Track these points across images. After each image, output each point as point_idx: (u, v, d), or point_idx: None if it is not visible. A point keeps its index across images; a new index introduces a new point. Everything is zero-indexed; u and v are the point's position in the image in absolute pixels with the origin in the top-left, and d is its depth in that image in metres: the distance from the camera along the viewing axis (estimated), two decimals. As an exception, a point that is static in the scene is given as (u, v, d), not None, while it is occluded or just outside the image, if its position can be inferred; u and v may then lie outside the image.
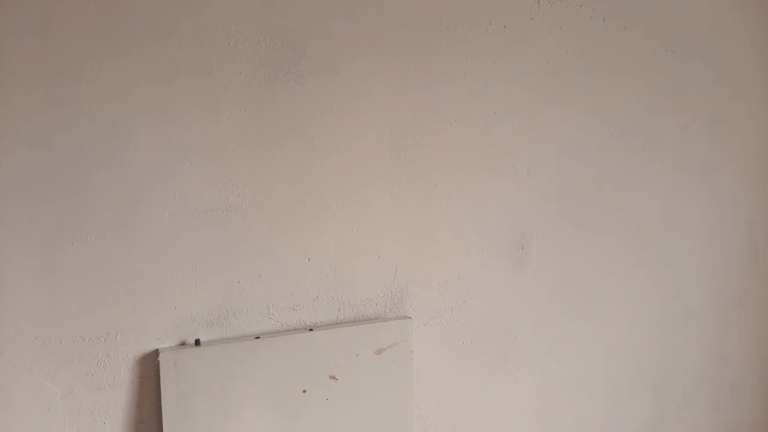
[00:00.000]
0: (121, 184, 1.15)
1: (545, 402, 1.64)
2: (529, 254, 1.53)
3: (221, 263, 1.26)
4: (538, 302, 1.58)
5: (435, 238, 1.44)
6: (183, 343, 1.25)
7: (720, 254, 1.79)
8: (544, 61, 1.44)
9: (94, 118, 1.12)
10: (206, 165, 1.21)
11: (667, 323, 1.76)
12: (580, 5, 1.47)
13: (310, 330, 1.34)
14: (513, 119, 1.44)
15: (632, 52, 1.54)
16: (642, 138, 1.60)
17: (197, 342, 1.25)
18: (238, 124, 1.22)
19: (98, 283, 1.17)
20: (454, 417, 1.53)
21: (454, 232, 1.45)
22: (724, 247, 1.79)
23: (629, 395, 1.76)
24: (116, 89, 1.12)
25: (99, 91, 1.11)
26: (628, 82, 1.55)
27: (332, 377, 1.34)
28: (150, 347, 1.23)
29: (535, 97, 1.46)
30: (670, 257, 1.72)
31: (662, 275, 1.72)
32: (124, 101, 1.13)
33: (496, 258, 1.51)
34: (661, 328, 1.76)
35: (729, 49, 1.65)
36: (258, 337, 1.30)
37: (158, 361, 1.22)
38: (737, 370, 1.91)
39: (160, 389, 1.23)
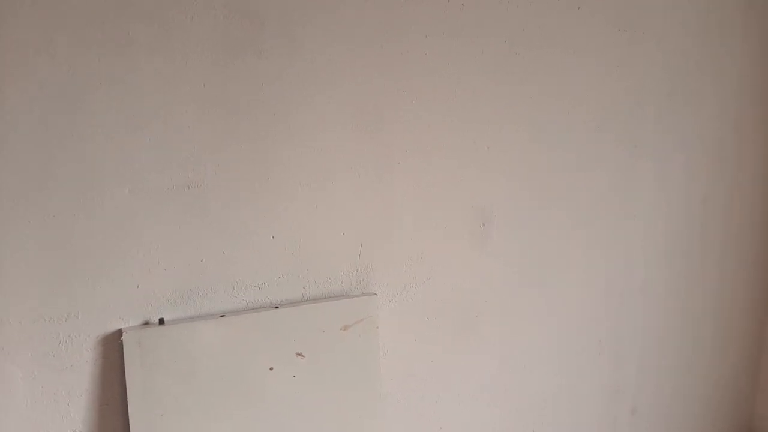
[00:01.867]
0: (79, 160, 1.13)
1: (508, 373, 1.68)
2: (491, 230, 1.56)
3: (184, 241, 1.25)
4: (500, 277, 1.61)
5: (399, 216, 1.45)
6: (147, 323, 1.24)
7: (669, 231, 1.85)
8: (503, 39, 1.46)
9: (51, 93, 1.09)
10: (166, 141, 1.19)
11: (620, 295, 1.82)
12: (537, -16, 1.49)
13: (276, 308, 1.34)
14: (473, 97, 1.46)
15: (587, 31, 1.57)
16: (596, 116, 1.64)
17: (161, 321, 1.24)
18: (198, 99, 1.21)
19: (58, 262, 1.15)
20: (420, 391, 1.55)
21: (418, 210, 1.47)
22: (673, 223, 1.85)
23: (587, 365, 1.82)
24: (70, 62, 1.10)
25: (54, 65, 1.09)
26: (583, 61, 1.58)
27: (299, 354, 1.35)
28: (113, 327, 1.21)
29: (495, 75, 1.48)
30: (622, 233, 1.77)
31: (614, 250, 1.78)
32: (79, 76, 1.11)
33: (458, 235, 1.53)
34: (614, 300, 1.82)
35: (679, 27, 1.70)
36: (223, 316, 1.29)
37: (121, 341, 1.21)
38: (693, 342, 1.98)
39: (124, 369, 1.22)
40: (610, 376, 1.87)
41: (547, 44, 1.53)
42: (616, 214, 1.74)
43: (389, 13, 1.34)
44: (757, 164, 1.95)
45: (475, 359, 1.62)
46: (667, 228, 1.84)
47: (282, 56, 1.26)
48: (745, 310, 2.08)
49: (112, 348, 1.22)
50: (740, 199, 1.95)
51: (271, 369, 1.33)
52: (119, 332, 1.21)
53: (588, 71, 1.60)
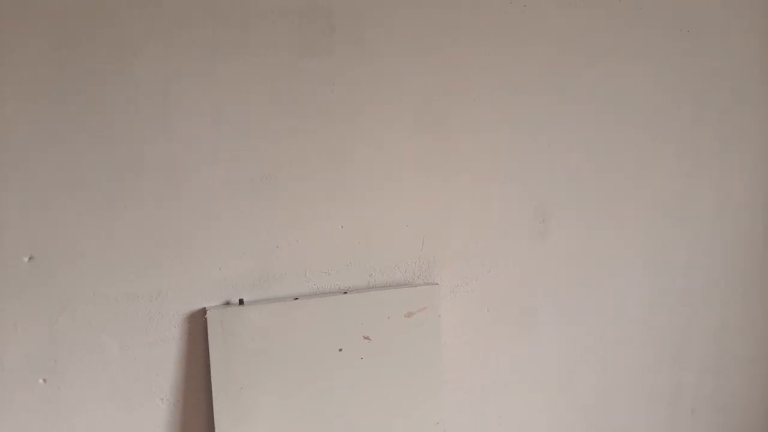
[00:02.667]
0: (171, 153, 1.25)
1: (564, 369, 1.71)
2: (550, 226, 1.61)
3: (261, 229, 1.35)
4: (558, 273, 1.65)
5: (460, 210, 1.52)
6: (227, 303, 1.35)
7: (729, 232, 1.84)
8: (564, 38, 1.51)
9: (147, 93, 1.21)
10: (247, 136, 1.30)
11: (683, 298, 1.82)
12: (597, -14, 1.54)
13: (345, 293, 1.43)
14: (534, 95, 1.52)
15: (646, 32, 1.60)
16: (656, 116, 1.66)
17: (241, 302, 1.35)
18: (275, 97, 1.31)
19: (150, 245, 1.26)
20: (479, 380, 1.61)
21: (479, 205, 1.53)
22: (734, 225, 1.84)
23: (647, 366, 1.82)
24: (164, 64, 1.21)
25: (149, 66, 1.20)
26: (643, 63, 1.61)
27: (366, 338, 1.43)
28: (197, 306, 1.32)
29: (555, 74, 1.53)
30: (682, 234, 1.78)
31: (675, 250, 1.78)
32: (172, 76, 1.22)
33: (518, 229, 1.58)
34: (673, 300, 1.82)
35: (741, 30, 1.70)
36: (296, 299, 1.39)
37: (206, 319, 1.31)
38: (754, 344, 1.96)
39: (207, 345, 1.32)
40: (669, 375, 1.87)
41: (609, 44, 1.56)
42: (677, 215, 1.75)
43: (451, 15, 1.41)
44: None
45: (531, 352, 1.66)
46: (727, 229, 1.84)
47: (351, 58, 1.35)
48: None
49: (197, 325, 1.33)
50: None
51: (340, 350, 1.41)
52: (203, 311, 1.32)
53: (648, 72, 1.63)
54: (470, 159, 1.50)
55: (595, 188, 1.64)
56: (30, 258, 1.19)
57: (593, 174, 1.63)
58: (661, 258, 1.77)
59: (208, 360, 1.33)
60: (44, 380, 1.24)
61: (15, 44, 1.12)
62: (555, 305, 1.66)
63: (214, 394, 1.32)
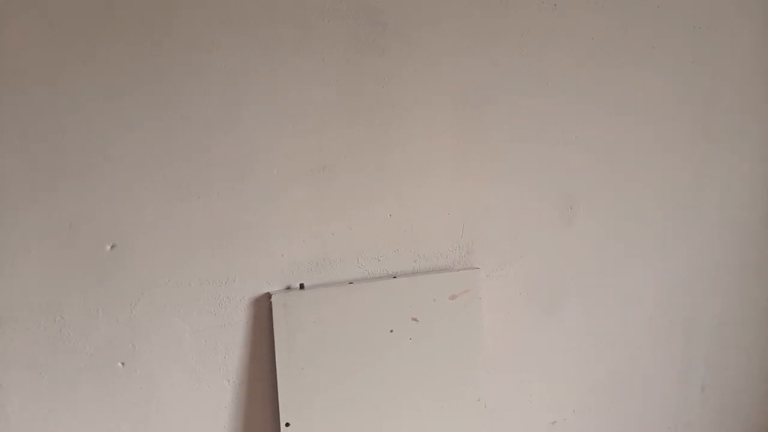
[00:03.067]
0: (238, 146, 1.33)
1: (589, 347, 1.82)
2: (577, 214, 1.72)
3: (318, 217, 1.44)
4: (584, 258, 1.76)
5: (496, 199, 1.62)
6: (288, 288, 1.43)
7: (740, 218, 1.98)
8: (590, 36, 1.63)
9: (218, 89, 1.30)
10: (306, 130, 1.39)
11: (693, 278, 1.94)
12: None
13: (394, 277, 1.53)
14: (563, 90, 1.63)
15: (661, 31, 1.73)
16: (673, 109, 1.79)
17: (302, 286, 1.43)
18: (331, 93, 1.40)
19: (219, 233, 1.35)
20: (512, 360, 1.71)
21: (513, 193, 1.64)
22: (744, 211, 1.98)
23: (660, 344, 1.94)
24: (233, 61, 1.30)
25: (221, 63, 1.29)
26: (659, 60, 1.74)
27: (414, 319, 1.53)
28: (262, 291, 1.41)
29: (582, 70, 1.64)
30: (696, 220, 1.91)
31: (689, 236, 1.91)
32: (241, 72, 1.31)
33: (548, 217, 1.70)
34: (687, 283, 1.94)
35: (747, 29, 1.84)
36: (351, 283, 1.48)
37: (270, 302, 1.40)
38: (760, 322, 2.10)
39: (271, 327, 1.41)
40: (681, 355, 1.99)
41: (629, 41, 1.68)
42: (691, 202, 1.87)
43: (490, 14, 1.51)
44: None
45: (560, 333, 1.77)
46: (738, 216, 1.97)
47: (400, 56, 1.45)
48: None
49: (261, 309, 1.41)
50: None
51: (391, 331, 1.50)
52: (267, 295, 1.40)
53: (665, 66, 1.75)
54: (505, 149, 1.60)
55: (616, 178, 1.76)
56: (112, 246, 1.26)
57: (614, 165, 1.75)
58: (673, 242, 1.89)
59: (271, 342, 1.42)
60: (123, 363, 1.31)
61: (100, 44, 1.20)
62: (580, 288, 1.77)
63: (278, 373, 1.40)
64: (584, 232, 1.74)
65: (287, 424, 1.42)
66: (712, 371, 2.06)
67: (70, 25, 1.17)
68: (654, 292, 1.90)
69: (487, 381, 1.65)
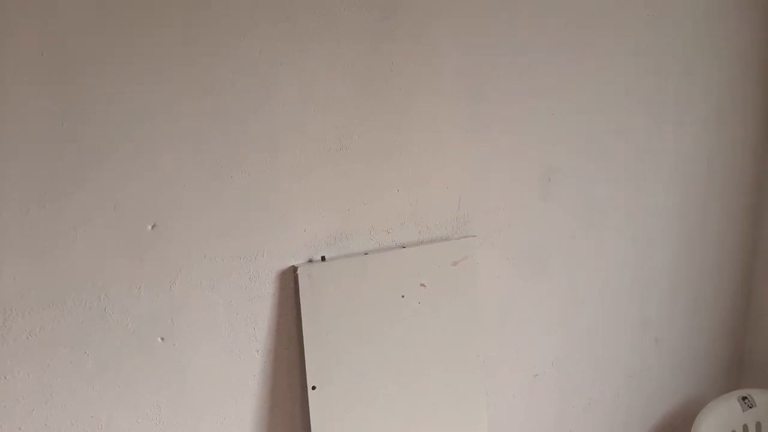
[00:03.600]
0: (268, 128, 1.40)
1: (568, 306, 2.01)
2: (555, 185, 1.90)
3: (337, 193, 1.53)
4: (561, 225, 1.94)
5: (487, 173, 1.76)
6: (310, 260, 1.53)
7: (682, 187, 2.21)
8: (563, 23, 1.79)
9: (251, 74, 1.36)
10: (326, 112, 1.47)
11: (646, 242, 2.17)
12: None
13: (403, 247, 1.65)
14: (543, 73, 1.78)
15: (626, 16, 1.91)
16: (631, 88, 1.99)
17: (323, 258, 1.53)
18: (348, 77, 1.49)
19: (249, 210, 1.42)
20: (503, 319, 1.87)
21: (501, 167, 1.78)
22: (685, 181, 2.22)
23: (622, 301, 2.16)
24: (264, 47, 1.37)
25: (252, 48, 1.35)
26: (622, 42, 1.93)
27: (422, 285, 1.66)
28: (287, 264, 1.49)
29: (557, 54, 1.80)
30: (648, 189, 2.12)
31: (643, 203, 2.12)
32: (271, 59, 1.38)
33: (530, 188, 1.86)
34: (641, 247, 2.16)
35: (694, 12, 2.07)
36: (366, 254, 1.59)
37: (295, 275, 1.49)
38: (698, 281, 2.37)
39: (297, 298, 1.50)
40: (639, 311, 2.22)
41: (593, 25, 1.84)
42: (646, 174, 2.08)
43: (489, 5, 1.65)
44: (748, 131, 2.35)
45: (544, 294, 1.95)
46: (680, 185, 2.20)
47: (409, 42, 1.54)
48: (737, 257, 2.48)
49: (287, 281, 1.50)
50: (733, 158, 2.34)
51: (402, 296, 1.63)
52: (292, 268, 1.49)
53: (625, 51, 1.94)
54: (496, 127, 1.74)
55: (585, 152, 1.94)
56: (153, 226, 1.32)
57: (586, 140, 1.93)
58: (633, 210, 2.10)
59: (296, 312, 1.51)
60: (162, 338, 1.37)
61: (143, 29, 1.24)
62: (560, 253, 1.95)
63: (305, 340, 1.50)
64: (560, 201, 1.92)
65: (313, 388, 1.52)
66: (663, 325, 2.31)
67: (115, 9, 1.21)
68: (616, 255, 2.11)
69: (485, 339, 1.81)
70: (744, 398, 2.28)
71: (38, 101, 1.18)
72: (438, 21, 1.58)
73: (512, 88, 1.74)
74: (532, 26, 1.74)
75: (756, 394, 2.29)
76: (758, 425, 2.24)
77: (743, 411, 2.27)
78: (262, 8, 1.35)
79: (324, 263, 1.52)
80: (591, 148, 1.94)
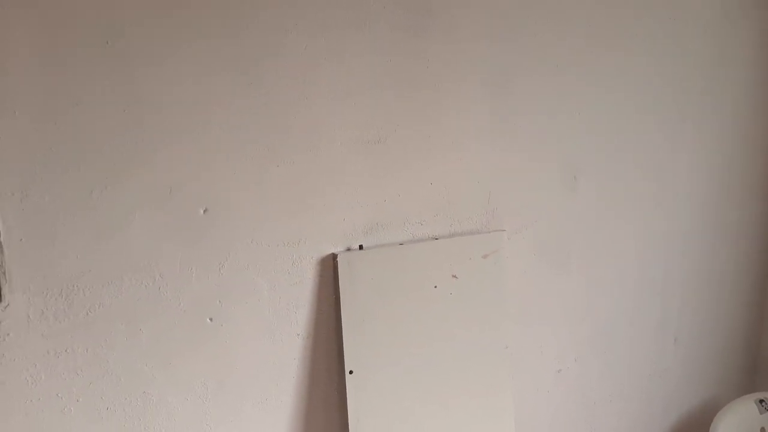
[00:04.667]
0: (309, 119, 1.47)
1: (588, 301, 2.06)
2: (580, 182, 1.96)
3: (373, 184, 1.60)
4: (586, 221, 2.00)
5: (516, 168, 1.82)
6: (348, 249, 1.59)
7: (703, 189, 2.27)
8: (591, 25, 1.86)
9: (296, 66, 1.44)
10: (364, 105, 1.54)
11: (668, 241, 2.22)
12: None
13: (436, 239, 1.71)
14: (569, 73, 1.85)
15: (648, 20, 1.97)
16: (656, 90, 2.05)
17: (360, 247, 1.59)
18: (385, 72, 1.55)
19: (293, 198, 1.49)
20: (528, 308, 1.92)
21: (529, 164, 1.84)
22: (706, 183, 2.28)
23: (643, 299, 2.20)
24: (306, 42, 1.44)
25: (296, 44, 1.42)
26: (645, 45, 1.98)
27: (454, 276, 1.72)
28: (327, 251, 1.56)
29: (583, 55, 1.87)
30: (670, 188, 2.18)
31: (665, 202, 2.18)
32: (312, 51, 1.45)
33: (556, 185, 1.92)
34: (664, 245, 2.21)
35: (720, 17, 2.13)
36: (401, 244, 1.65)
37: (336, 262, 1.55)
38: (718, 282, 2.42)
39: (336, 284, 1.56)
40: (659, 310, 2.27)
41: (618, 28, 1.91)
42: (668, 173, 2.14)
43: (515, 5, 1.71)
44: (766, 133, 2.41)
45: (567, 290, 2.00)
46: (701, 186, 2.26)
47: (441, 38, 1.60)
48: (755, 259, 2.52)
49: (327, 268, 1.56)
50: (753, 160, 2.40)
51: (435, 287, 1.69)
52: (332, 255, 1.56)
53: (647, 51, 2.00)
54: (524, 125, 1.81)
55: (610, 151, 2.00)
56: (205, 210, 1.39)
57: (609, 139, 1.98)
58: (656, 209, 2.16)
59: (336, 298, 1.57)
60: (211, 319, 1.43)
61: (200, 26, 1.32)
62: (581, 248, 2.01)
63: (343, 325, 1.56)
64: (585, 197, 1.98)
65: (351, 372, 1.58)
66: (682, 325, 2.35)
67: (173, 7, 1.29)
68: (636, 252, 2.16)
69: (512, 330, 1.86)
70: (761, 401, 2.32)
71: (102, 88, 1.25)
72: (469, 20, 1.65)
73: (539, 87, 1.81)
74: (559, 29, 1.81)
75: (773, 397, 2.32)
76: (776, 427, 2.27)
77: (761, 414, 2.30)
78: (305, 7, 1.43)
79: (361, 252, 1.59)
80: (615, 147, 2.00)
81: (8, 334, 1.24)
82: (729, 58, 2.21)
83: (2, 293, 1.21)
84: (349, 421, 1.58)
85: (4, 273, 1.21)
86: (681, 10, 2.05)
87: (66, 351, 1.29)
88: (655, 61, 2.03)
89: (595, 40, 1.89)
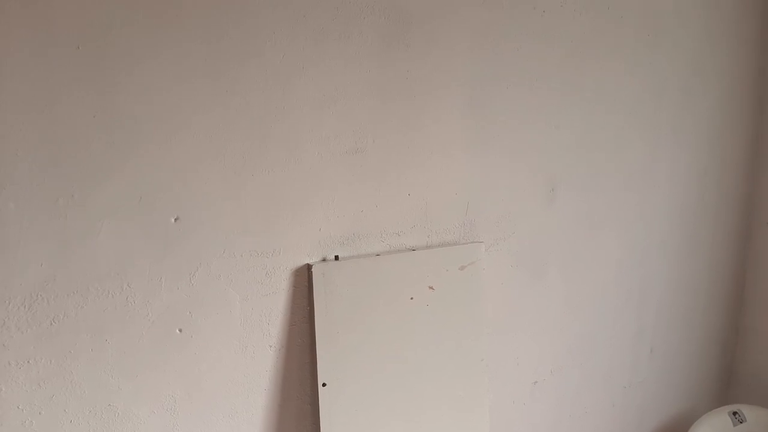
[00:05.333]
0: (288, 129, 1.44)
1: (568, 312, 2.06)
2: (558, 193, 1.95)
3: (351, 195, 1.58)
4: (563, 234, 2.00)
5: (494, 180, 1.81)
6: (324, 259, 1.57)
7: (679, 199, 2.29)
8: (569, 39, 1.86)
9: (274, 75, 1.41)
10: (343, 115, 1.52)
11: (644, 252, 2.23)
12: (594, -2, 1.91)
13: (413, 250, 1.69)
14: (547, 85, 1.84)
15: (624, 36, 1.97)
16: (629, 105, 2.04)
17: (336, 257, 1.57)
18: (364, 82, 1.53)
19: (268, 208, 1.46)
20: (505, 320, 1.91)
21: (507, 176, 1.83)
22: (682, 193, 2.29)
23: (619, 309, 2.21)
24: (285, 51, 1.41)
25: (274, 51, 1.40)
26: (622, 61, 2.00)
27: (430, 287, 1.70)
28: (302, 262, 1.53)
29: (561, 70, 1.87)
30: (647, 199, 2.19)
31: (642, 214, 2.19)
32: (291, 59, 1.42)
33: (534, 197, 1.91)
34: (640, 256, 2.22)
35: (697, 31, 2.15)
36: (378, 255, 1.63)
37: (309, 272, 1.53)
38: (693, 292, 2.43)
39: (310, 296, 1.53)
40: (636, 321, 2.27)
41: (596, 44, 1.92)
42: (645, 185, 2.15)
43: (495, 19, 1.70)
44: (743, 144, 2.43)
45: (545, 301, 2.00)
46: (676, 198, 2.27)
47: (421, 49, 1.59)
48: (729, 272, 2.54)
49: (302, 279, 1.53)
50: (726, 174, 2.42)
51: (411, 298, 1.67)
52: (307, 266, 1.53)
53: (624, 70, 2.01)
54: (502, 137, 1.80)
55: (588, 163, 2.00)
56: (176, 219, 1.35)
57: (588, 151, 1.99)
58: (633, 220, 2.17)
59: (310, 309, 1.55)
60: (180, 330, 1.40)
61: (178, 31, 1.29)
62: (559, 260, 2.01)
63: (317, 337, 1.54)
64: (563, 209, 1.97)
65: (324, 385, 1.55)
66: (658, 335, 2.37)
67: (145, 9, 1.26)
68: (614, 263, 2.16)
69: (488, 343, 1.85)
70: (735, 413, 2.34)
71: (71, 94, 1.21)
72: (449, 32, 1.64)
73: (518, 100, 1.80)
74: (538, 44, 1.81)
75: (746, 410, 2.34)
76: (748, 440, 2.28)
77: (734, 426, 2.32)
78: (285, 14, 1.40)
79: (337, 262, 1.56)
80: (592, 160, 2.00)
81: (-33, 345, 1.20)
82: (705, 72, 2.22)
83: (-39, 303, 1.17)
84: (322, 435, 1.55)
85: (-36, 282, 1.17)
86: (658, 24, 2.06)
87: (28, 362, 1.25)
88: (633, 74, 2.03)
89: (575, 52, 1.89)
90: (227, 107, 1.37)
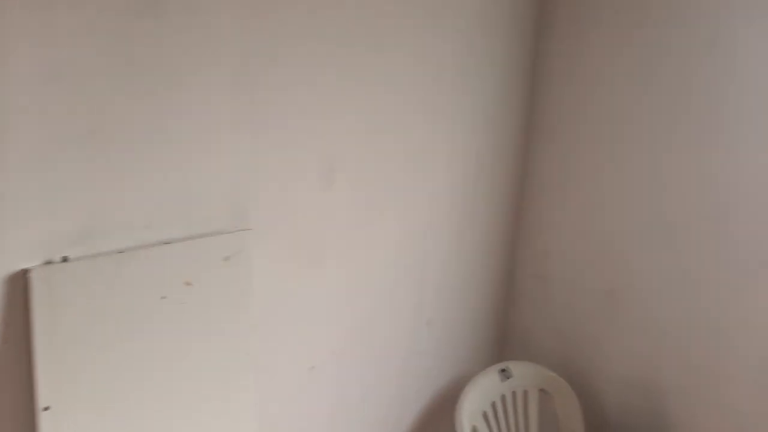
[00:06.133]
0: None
1: (349, 293, 2.01)
2: (336, 177, 1.85)
3: (87, 184, 1.31)
4: (342, 217, 1.91)
5: (268, 164, 1.65)
6: (48, 262, 1.30)
7: (454, 179, 2.31)
8: (349, 18, 1.73)
9: None
10: (76, 92, 1.25)
11: (421, 231, 2.25)
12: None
13: (167, 243, 1.48)
14: (325, 65, 1.71)
15: (407, 18, 1.91)
16: (411, 86, 2.00)
17: (65, 259, 1.32)
18: (106, 54, 1.27)
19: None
20: (280, 311, 1.80)
21: (282, 159, 1.68)
22: (457, 173, 2.32)
23: (400, 287, 2.22)
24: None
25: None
26: (404, 44, 1.92)
27: (187, 283, 1.51)
28: (15, 268, 1.26)
29: (340, 47, 1.73)
30: (425, 181, 2.18)
31: (420, 195, 2.18)
32: (7, 29, 1.13)
33: (310, 180, 1.78)
34: (418, 235, 2.23)
35: (473, 25, 2.14)
36: (121, 252, 1.40)
37: (28, 278, 1.26)
38: (468, 266, 2.52)
39: (28, 307, 1.27)
40: (414, 295, 2.30)
41: (378, 24, 1.82)
42: (421, 169, 2.13)
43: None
44: (516, 123, 2.52)
45: (323, 285, 1.91)
46: (453, 180, 2.30)
47: (180, 20, 1.37)
48: (502, 246, 2.68)
49: (15, 288, 1.26)
50: (499, 157, 2.50)
51: (163, 297, 1.47)
52: (23, 272, 1.26)
53: (405, 51, 1.94)
54: (276, 118, 1.63)
55: (368, 144, 1.92)
56: None
57: (368, 132, 1.90)
58: (410, 201, 2.15)
59: (29, 322, 1.29)
60: None
61: None
62: (340, 246, 1.93)
63: (36, 356, 1.29)
64: (340, 194, 1.88)
65: (46, 408, 1.32)
66: (435, 308, 2.43)
67: None
68: (394, 244, 2.14)
69: (256, 336, 1.72)
70: (503, 370, 2.48)
71: None
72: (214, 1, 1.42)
73: (293, 78, 1.64)
74: (317, 16, 1.65)
75: (513, 366, 2.50)
76: (514, 394, 2.45)
77: (502, 382, 2.47)
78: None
79: (66, 264, 1.31)
80: (371, 142, 1.93)
81: None
82: (483, 64, 2.25)
83: None
84: (46, 465, 1.33)
85: None
86: (441, 16, 2.01)
87: None
88: (413, 61, 1.98)
89: (355, 34, 1.77)
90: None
